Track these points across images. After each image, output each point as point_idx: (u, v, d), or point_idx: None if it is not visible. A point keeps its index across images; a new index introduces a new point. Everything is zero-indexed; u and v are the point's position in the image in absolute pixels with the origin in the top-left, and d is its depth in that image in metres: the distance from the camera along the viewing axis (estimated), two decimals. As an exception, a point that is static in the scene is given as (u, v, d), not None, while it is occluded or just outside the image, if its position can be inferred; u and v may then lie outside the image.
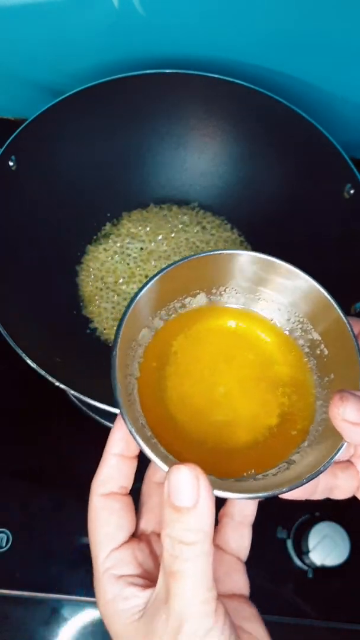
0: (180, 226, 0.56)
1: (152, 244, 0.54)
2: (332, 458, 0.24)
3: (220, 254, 0.26)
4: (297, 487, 0.23)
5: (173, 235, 0.55)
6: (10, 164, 0.47)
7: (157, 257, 0.54)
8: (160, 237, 0.55)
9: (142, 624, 0.24)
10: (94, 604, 0.47)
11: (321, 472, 0.23)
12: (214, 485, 0.22)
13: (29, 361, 0.39)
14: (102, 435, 0.56)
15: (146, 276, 0.53)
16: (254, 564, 0.48)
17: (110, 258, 0.54)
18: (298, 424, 0.27)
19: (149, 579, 0.26)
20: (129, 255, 0.54)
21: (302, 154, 0.51)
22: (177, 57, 0.54)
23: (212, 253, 0.26)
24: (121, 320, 0.24)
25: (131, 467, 0.28)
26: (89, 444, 0.52)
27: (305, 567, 0.48)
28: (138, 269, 0.53)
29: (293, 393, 0.28)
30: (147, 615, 0.24)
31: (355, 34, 0.49)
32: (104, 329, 0.51)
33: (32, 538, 0.48)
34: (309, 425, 0.27)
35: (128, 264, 0.53)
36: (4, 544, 0.47)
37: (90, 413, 0.53)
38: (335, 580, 0.48)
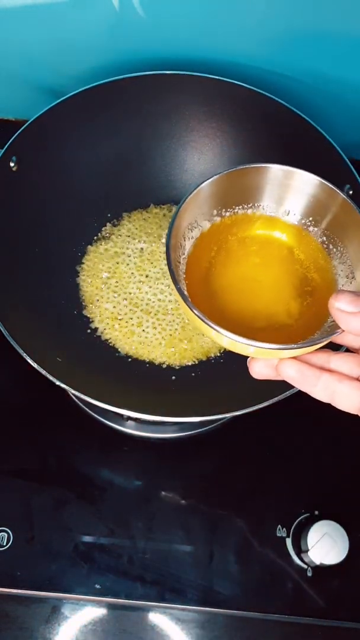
0: (180, 226, 0.56)
1: (152, 244, 0.55)
2: (324, 338, 0.28)
3: (262, 166, 0.31)
4: (292, 348, 0.27)
5: (173, 235, 0.55)
6: (12, 164, 0.47)
7: (157, 257, 0.54)
8: (160, 237, 0.55)
9: None
10: (94, 602, 0.47)
11: (315, 344, 0.28)
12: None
13: (30, 361, 0.40)
14: (101, 434, 0.57)
15: (147, 276, 0.53)
16: (253, 562, 0.48)
17: (110, 258, 0.54)
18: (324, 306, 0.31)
19: None
20: (129, 255, 0.54)
21: (301, 155, 0.51)
22: (177, 59, 0.54)
23: (254, 165, 0.31)
24: (182, 201, 0.30)
25: None
26: (89, 443, 0.53)
27: (304, 566, 0.48)
28: (138, 269, 0.53)
29: (317, 278, 0.33)
30: None
31: (355, 35, 0.49)
32: (104, 329, 0.51)
33: (32, 536, 0.48)
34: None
35: (128, 265, 0.54)
36: (4, 543, 0.47)
37: (90, 412, 0.53)
38: (334, 579, 0.48)
